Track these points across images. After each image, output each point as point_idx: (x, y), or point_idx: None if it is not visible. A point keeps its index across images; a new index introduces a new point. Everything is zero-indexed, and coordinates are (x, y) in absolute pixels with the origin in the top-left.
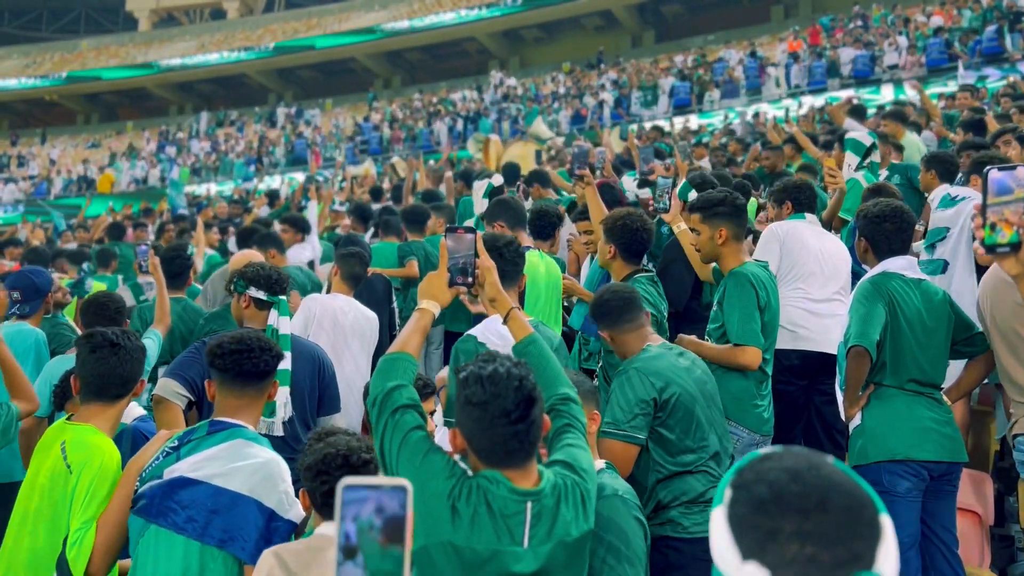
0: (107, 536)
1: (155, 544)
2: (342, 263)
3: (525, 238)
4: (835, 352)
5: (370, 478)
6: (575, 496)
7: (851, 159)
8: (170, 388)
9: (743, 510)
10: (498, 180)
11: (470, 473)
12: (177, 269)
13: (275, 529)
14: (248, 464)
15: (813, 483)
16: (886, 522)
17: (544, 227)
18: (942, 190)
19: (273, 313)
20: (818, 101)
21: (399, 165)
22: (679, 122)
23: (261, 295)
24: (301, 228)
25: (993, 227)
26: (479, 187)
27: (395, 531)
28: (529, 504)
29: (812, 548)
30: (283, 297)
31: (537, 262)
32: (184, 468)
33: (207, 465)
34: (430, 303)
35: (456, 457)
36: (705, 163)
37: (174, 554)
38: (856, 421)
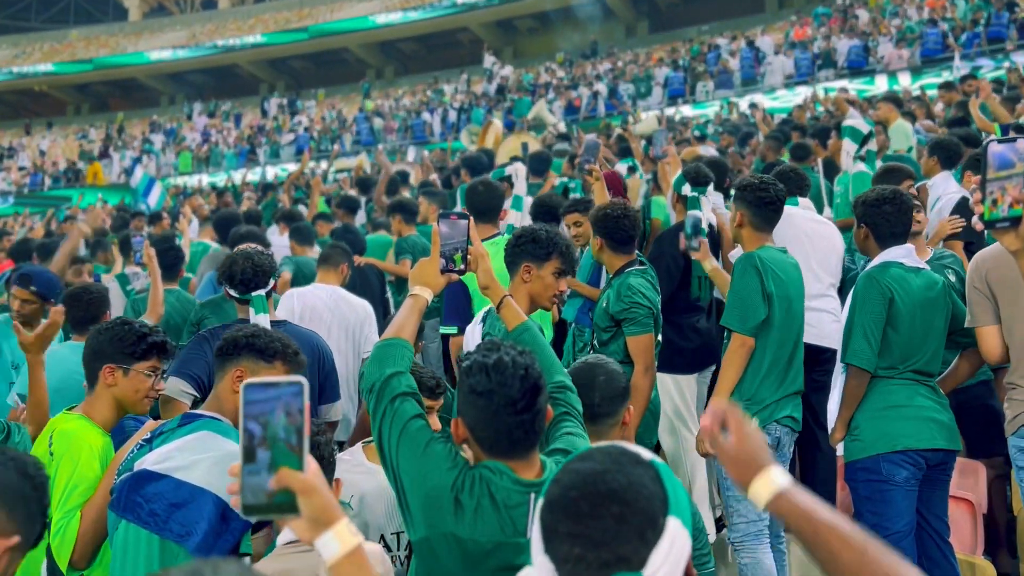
0: (88, 526)
1: (125, 538)
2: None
3: (491, 229)
4: (824, 345)
5: (269, 378)
6: None
7: (849, 146)
8: (177, 387)
9: (543, 507)
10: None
11: (471, 463)
12: (170, 260)
13: (227, 525)
14: (209, 456)
15: (591, 489)
16: (671, 526)
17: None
18: (943, 177)
19: (250, 310)
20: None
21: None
22: (672, 112)
23: (232, 292)
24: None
25: (994, 202)
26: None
27: (299, 429)
28: (532, 495)
29: (580, 549)
30: (258, 293)
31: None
32: (150, 461)
33: (171, 457)
34: (423, 289)
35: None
36: (708, 149)
37: (139, 548)
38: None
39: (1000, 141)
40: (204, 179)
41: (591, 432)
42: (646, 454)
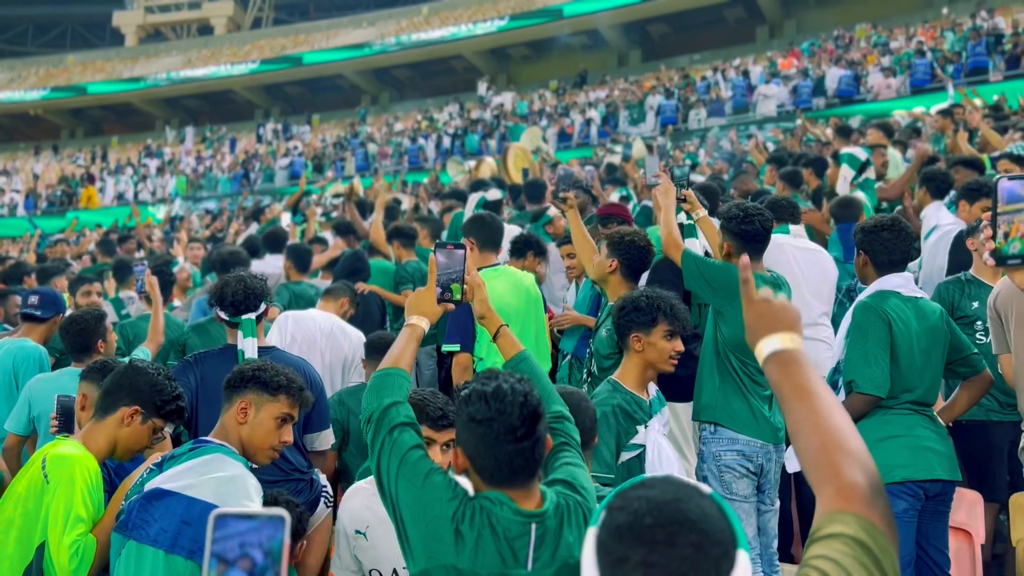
0: (98, 551)
1: (127, 559)
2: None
3: (493, 258)
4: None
5: (244, 508)
6: (578, 517)
7: (847, 172)
8: None
9: (604, 534)
10: (493, 195)
11: (471, 493)
12: (161, 284)
13: None
14: (219, 476)
15: (668, 517)
16: (741, 559)
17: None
18: (934, 207)
19: (238, 335)
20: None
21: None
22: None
23: (223, 315)
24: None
25: (1005, 237)
26: (472, 199)
27: (276, 569)
28: (533, 526)
29: None
30: (248, 316)
31: (516, 280)
32: (159, 480)
33: (181, 477)
34: (420, 319)
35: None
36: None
37: (143, 568)
38: None
39: (1011, 177)
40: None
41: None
42: (705, 487)
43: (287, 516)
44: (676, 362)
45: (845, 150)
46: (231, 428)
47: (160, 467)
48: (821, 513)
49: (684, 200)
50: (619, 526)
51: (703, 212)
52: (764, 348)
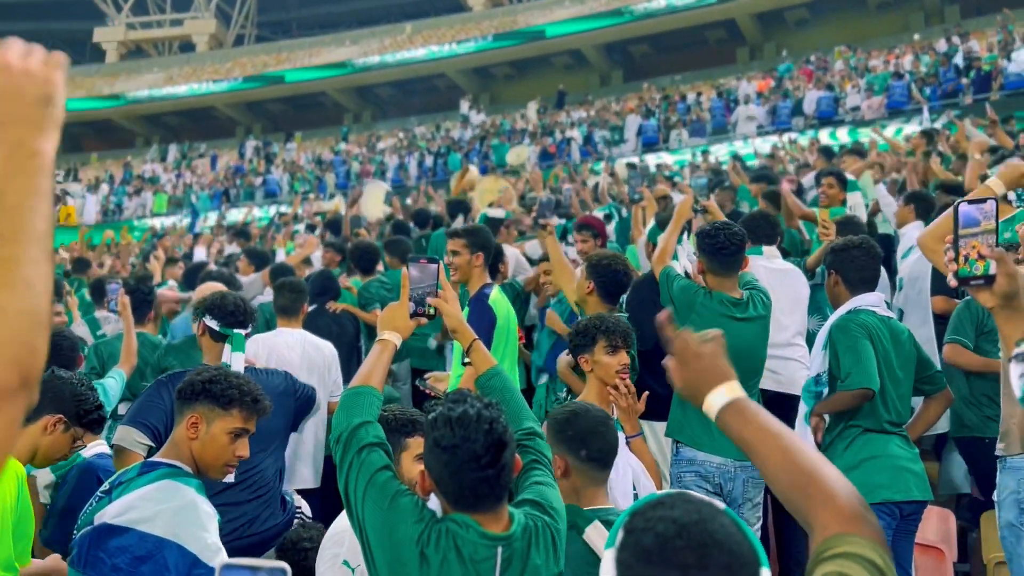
0: None
1: None
2: (274, 295)
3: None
4: (792, 392)
5: (250, 560)
6: (546, 538)
7: (853, 199)
8: (130, 437)
9: (629, 557)
10: (496, 212)
11: (439, 516)
12: (136, 303)
13: (197, 574)
14: (171, 506)
15: (696, 539)
16: None
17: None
18: (915, 227)
19: (227, 348)
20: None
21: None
22: (650, 159)
23: (214, 324)
24: (259, 262)
25: (966, 259)
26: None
27: None
28: (499, 549)
29: None
30: (239, 331)
31: (499, 300)
32: (110, 514)
33: (133, 508)
34: (392, 334)
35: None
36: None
37: None
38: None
39: (970, 201)
40: (179, 221)
41: None
42: (719, 503)
43: (288, 569)
44: (625, 375)
45: (850, 176)
46: (182, 444)
47: (108, 494)
48: (822, 536)
49: (705, 211)
50: (647, 549)
51: (723, 218)
52: (713, 402)
